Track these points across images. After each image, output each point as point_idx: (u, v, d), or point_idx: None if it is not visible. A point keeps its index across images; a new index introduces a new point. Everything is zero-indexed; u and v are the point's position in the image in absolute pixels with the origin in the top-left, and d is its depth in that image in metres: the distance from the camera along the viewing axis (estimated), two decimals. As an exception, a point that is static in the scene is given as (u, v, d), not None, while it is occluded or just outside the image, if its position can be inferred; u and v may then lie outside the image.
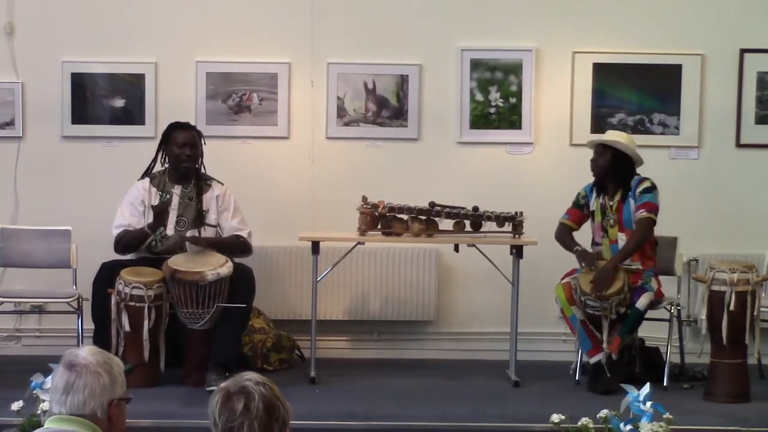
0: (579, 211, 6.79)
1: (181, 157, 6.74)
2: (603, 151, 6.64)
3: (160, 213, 6.62)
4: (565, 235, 6.77)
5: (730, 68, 7.53)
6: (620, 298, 6.42)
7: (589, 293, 6.42)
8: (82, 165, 7.47)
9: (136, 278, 6.42)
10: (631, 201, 6.61)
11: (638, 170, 6.69)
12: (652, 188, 6.58)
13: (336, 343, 7.50)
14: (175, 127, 6.81)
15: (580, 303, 6.49)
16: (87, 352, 3.08)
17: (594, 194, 6.73)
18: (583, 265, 6.60)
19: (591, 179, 6.79)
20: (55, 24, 7.44)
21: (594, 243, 6.77)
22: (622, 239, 6.62)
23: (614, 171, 6.63)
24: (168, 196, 6.75)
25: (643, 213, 6.54)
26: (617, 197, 6.66)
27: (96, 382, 3.01)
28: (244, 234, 6.79)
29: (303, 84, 7.50)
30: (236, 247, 6.76)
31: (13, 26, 7.43)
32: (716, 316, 6.29)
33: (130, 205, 6.76)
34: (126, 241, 6.69)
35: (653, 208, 6.55)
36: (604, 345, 6.44)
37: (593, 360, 6.53)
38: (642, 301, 6.50)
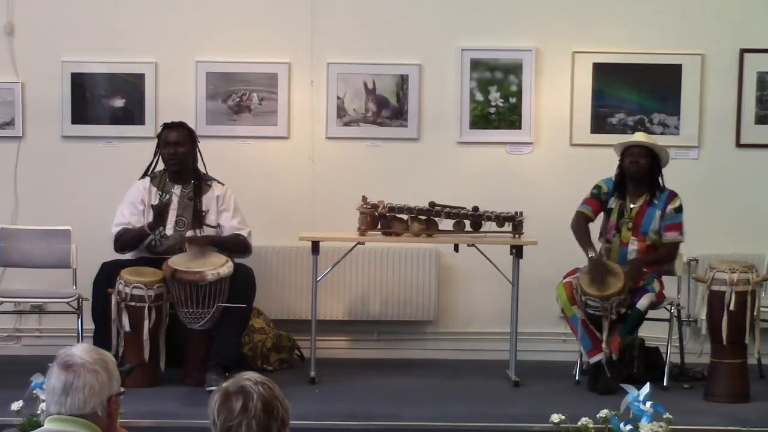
0: (599, 203, 6.77)
1: (167, 156, 6.75)
2: (645, 153, 6.64)
3: (160, 213, 6.62)
4: (581, 227, 6.70)
5: (730, 68, 7.53)
6: (621, 298, 6.42)
7: (591, 294, 6.40)
8: (82, 165, 7.47)
9: (137, 278, 6.42)
10: (657, 211, 6.63)
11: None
12: (682, 208, 6.67)
13: (336, 343, 7.50)
14: (165, 127, 6.82)
15: (581, 303, 6.48)
16: (81, 351, 3.06)
17: (615, 193, 6.73)
18: (588, 270, 6.55)
19: (592, 179, 6.80)
20: (55, 24, 7.44)
21: (605, 239, 6.75)
22: (633, 243, 6.63)
23: (651, 173, 6.66)
24: (168, 196, 6.76)
25: (677, 236, 6.66)
26: (641, 201, 6.67)
27: (95, 380, 3.00)
28: (243, 233, 6.79)
29: (303, 84, 7.50)
30: (235, 245, 6.76)
31: (13, 26, 7.43)
32: (716, 316, 6.29)
33: (131, 204, 6.77)
34: (125, 240, 6.69)
35: (682, 230, 6.66)
36: (604, 345, 6.44)
37: (593, 360, 6.52)
38: (643, 302, 6.50)
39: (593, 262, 6.51)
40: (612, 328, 6.46)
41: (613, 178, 6.75)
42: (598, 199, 6.78)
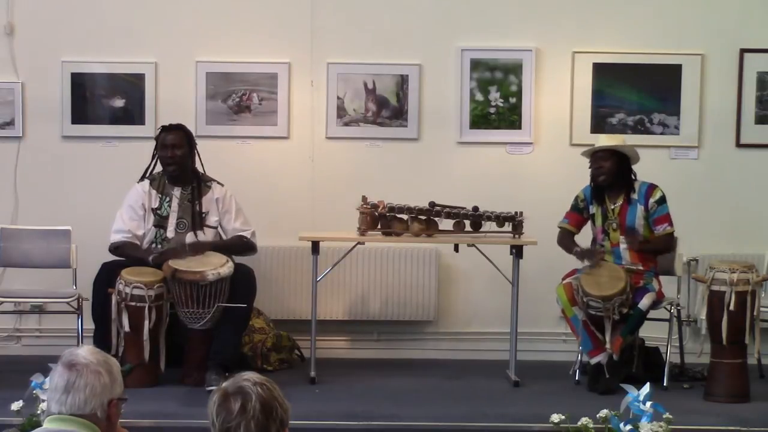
0: (578, 215, 6.80)
1: (164, 159, 6.75)
2: (608, 156, 6.63)
3: (169, 254, 6.58)
4: (566, 239, 6.77)
5: (730, 68, 7.53)
6: (623, 298, 6.41)
7: (592, 294, 6.40)
8: (82, 165, 7.47)
9: (137, 278, 6.42)
10: (639, 206, 6.63)
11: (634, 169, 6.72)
12: (665, 198, 6.65)
13: (336, 343, 7.50)
14: (162, 130, 6.82)
15: (582, 303, 6.48)
16: (86, 352, 3.09)
17: (593, 199, 6.73)
18: (587, 262, 6.58)
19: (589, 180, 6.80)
20: (55, 24, 7.44)
21: (596, 245, 6.75)
22: (623, 242, 6.63)
23: (620, 174, 6.65)
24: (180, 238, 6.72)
25: (668, 228, 6.64)
26: (620, 201, 6.67)
27: (97, 381, 3.02)
28: (247, 234, 6.79)
29: (303, 84, 7.50)
30: (238, 247, 6.77)
31: (13, 26, 7.43)
32: (716, 316, 6.29)
33: (130, 209, 6.76)
34: (124, 253, 6.69)
35: (670, 220, 6.64)
36: (607, 345, 6.43)
37: (594, 360, 6.52)
38: (644, 302, 6.50)
39: (581, 253, 6.59)
40: (613, 329, 6.46)
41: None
42: (576, 210, 6.81)
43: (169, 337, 6.55)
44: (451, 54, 7.50)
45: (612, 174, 6.64)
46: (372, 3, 7.53)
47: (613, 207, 6.69)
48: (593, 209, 6.75)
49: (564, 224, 6.81)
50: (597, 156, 6.67)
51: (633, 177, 6.71)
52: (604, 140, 6.76)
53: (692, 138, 7.55)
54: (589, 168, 6.71)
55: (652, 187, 6.67)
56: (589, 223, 6.81)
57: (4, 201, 7.44)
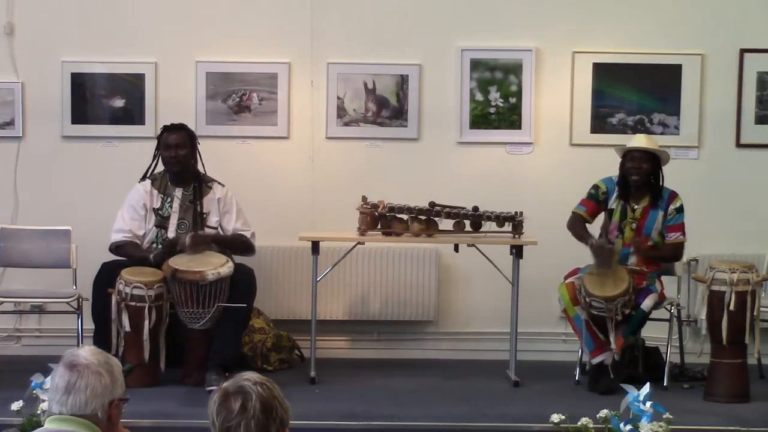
0: (596, 204, 6.74)
1: (167, 159, 6.74)
2: (647, 157, 6.62)
3: (169, 250, 6.58)
4: (578, 226, 6.70)
5: (730, 68, 7.53)
6: (625, 299, 6.41)
7: (595, 295, 6.38)
8: (82, 165, 7.47)
9: (137, 278, 6.42)
10: (660, 212, 6.62)
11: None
12: (683, 207, 6.66)
13: (336, 343, 7.50)
14: (164, 129, 6.82)
15: (584, 303, 6.47)
16: (88, 352, 3.09)
17: (616, 194, 6.71)
18: (597, 261, 6.51)
19: (592, 179, 6.79)
20: (55, 24, 7.45)
21: (607, 240, 6.71)
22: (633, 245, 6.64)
23: (654, 176, 6.65)
24: (179, 215, 6.72)
25: (679, 237, 6.65)
26: (644, 203, 6.66)
27: (98, 382, 3.02)
28: (247, 234, 6.79)
29: (303, 84, 7.50)
30: (238, 244, 6.77)
31: (13, 26, 7.43)
32: (716, 316, 6.29)
33: (131, 209, 6.76)
34: (125, 252, 6.69)
35: (684, 230, 6.66)
36: (613, 346, 6.42)
37: (595, 360, 6.52)
38: (647, 303, 6.49)
39: (597, 247, 6.50)
40: (616, 329, 6.45)
41: (615, 179, 6.73)
42: (595, 200, 6.76)
43: (169, 337, 6.55)
44: (451, 54, 7.50)
45: (647, 176, 6.64)
46: (372, 3, 7.54)
47: (636, 207, 6.68)
48: (614, 203, 6.71)
49: (579, 210, 6.72)
50: (636, 155, 6.63)
51: (661, 181, 6.69)
52: (643, 141, 6.70)
53: (692, 138, 7.55)
54: (622, 164, 6.66)
55: (674, 195, 6.67)
56: (603, 214, 6.77)
57: (4, 201, 7.44)
